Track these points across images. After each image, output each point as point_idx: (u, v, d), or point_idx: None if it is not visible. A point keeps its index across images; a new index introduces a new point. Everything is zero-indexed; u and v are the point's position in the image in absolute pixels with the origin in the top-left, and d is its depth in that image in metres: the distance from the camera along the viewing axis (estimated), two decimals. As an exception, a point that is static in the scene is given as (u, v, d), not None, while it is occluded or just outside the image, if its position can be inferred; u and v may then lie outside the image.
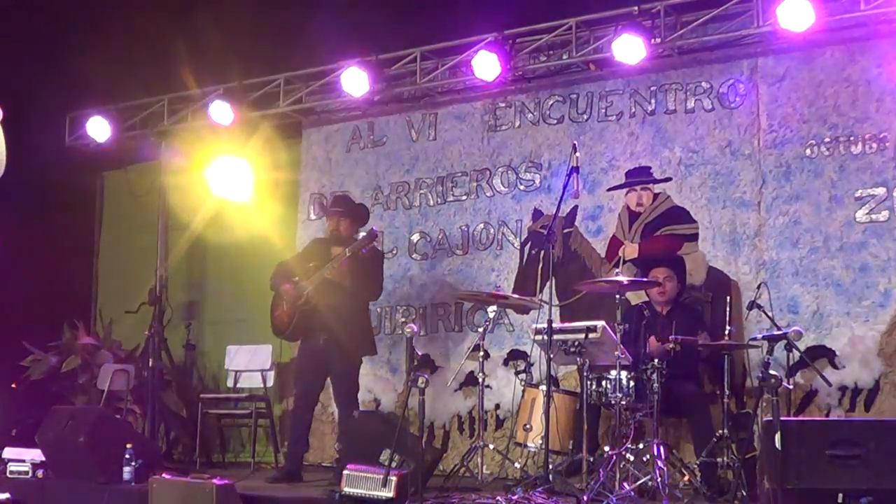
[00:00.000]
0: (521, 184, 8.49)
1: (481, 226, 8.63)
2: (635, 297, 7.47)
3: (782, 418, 5.55)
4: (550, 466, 6.27)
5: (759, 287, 6.84)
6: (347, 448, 6.87)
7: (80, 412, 7.70)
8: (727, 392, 6.41)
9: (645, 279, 7.03)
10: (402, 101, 9.07)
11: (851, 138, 7.30)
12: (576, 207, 8.12)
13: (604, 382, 6.45)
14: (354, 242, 7.26)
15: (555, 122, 8.42)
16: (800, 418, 6.84)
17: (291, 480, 7.25)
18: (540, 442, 6.55)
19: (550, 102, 8.45)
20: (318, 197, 9.35)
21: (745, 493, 5.95)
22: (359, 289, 7.37)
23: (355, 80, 8.56)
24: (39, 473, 7.33)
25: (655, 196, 7.93)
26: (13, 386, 9.66)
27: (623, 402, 6.36)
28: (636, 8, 7.53)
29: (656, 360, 6.33)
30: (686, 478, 6.50)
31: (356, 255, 7.18)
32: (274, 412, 8.90)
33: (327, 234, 7.64)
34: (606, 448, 6.43)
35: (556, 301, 7.82)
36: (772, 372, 5.50)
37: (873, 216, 7.18)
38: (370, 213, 8.05)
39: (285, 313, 7.41)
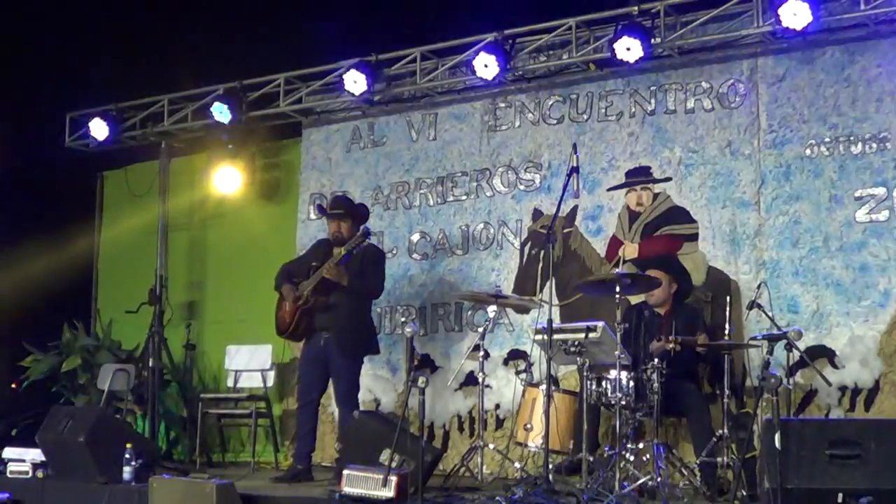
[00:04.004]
0: (521, 184, 8.49)
1: (481, 226, 8.63)
2: (635, 297, 7.47)
3: (782, 418, 5.55)
4: (550, 466, 6.27)
5: (759, 287, 6.83)
6: (347, 448, 6.87)
7: (80, 412, 7.70)
8: (727, 392, 6.40)
9: (639, 273, 7.03)
10: (402, 101, 9.06)
11: (851, 138, 7.30)
12: (576, 207, 8.12)
13: (604, 382, 6.44)
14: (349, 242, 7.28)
15: (555, 122, 8.42)
16: (800, 418, 6.84)
17: (301, 479, 7.24)
18: (540, 442, 6.55)
19: (550, 102, 8.45)
20: (318, 197, 9.34)
21: (745, 493, 5.95)
22: (357, 287, 7.37)
23: (355, 80, 8.55)
24: (39, 473, 7.33)
25: (655, 196, 7.93)
26: (13, 386, 9.67)
27: (623, 402, 6.35)
28: (636, 8, 7.54)
29: (656, 360, 6.34)
30: (686, 478, 6.49)
31: (350, 253, 7.20)
32: (274, 412, 8.91)
33: (330, 235, 7.62)
34: (606, 448, 6.43)
35: (556, 301, 7.82)
36: (772, 372, 5.50)
37: (873, 216, 7.18)
38: (370, 213, 8.04)
39: (287, 313, 7.43)
